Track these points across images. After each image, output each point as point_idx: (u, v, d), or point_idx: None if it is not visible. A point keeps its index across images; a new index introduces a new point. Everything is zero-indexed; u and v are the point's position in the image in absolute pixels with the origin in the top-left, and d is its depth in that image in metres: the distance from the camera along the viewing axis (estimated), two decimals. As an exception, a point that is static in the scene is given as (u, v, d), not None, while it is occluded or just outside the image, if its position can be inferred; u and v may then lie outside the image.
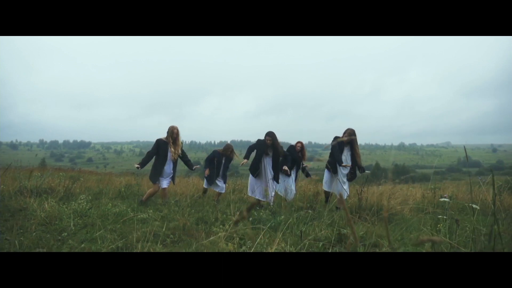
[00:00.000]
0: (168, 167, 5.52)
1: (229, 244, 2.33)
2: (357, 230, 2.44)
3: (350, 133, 5.22)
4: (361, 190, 4.26)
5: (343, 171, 5.20)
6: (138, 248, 2.26)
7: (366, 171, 5.19)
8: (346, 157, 5.28)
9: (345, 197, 5.20)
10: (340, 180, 5.16)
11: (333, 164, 5.26)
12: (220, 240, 2.30)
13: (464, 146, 1.95)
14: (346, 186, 5.18)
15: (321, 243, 2.33)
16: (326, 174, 5.51)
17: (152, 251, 2.44)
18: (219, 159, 6.29)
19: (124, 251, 2.47)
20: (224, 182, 6.34)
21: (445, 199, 2.17)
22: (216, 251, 2.27)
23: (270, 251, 2.03)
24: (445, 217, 2.14)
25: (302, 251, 2.26)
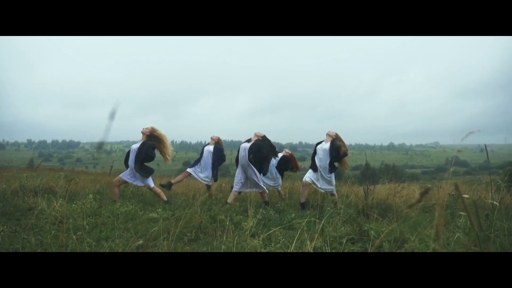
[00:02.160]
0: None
1: (255, 241, 2.36)
2: (379, 227, 2.49)
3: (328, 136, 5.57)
4: (367, 189, 4.32)
5: (323, 173, 5.35)
6: (164, 247, 2.27)
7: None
8: (324, 154, 5.42)
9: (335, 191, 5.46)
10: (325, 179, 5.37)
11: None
12: (246, 237, 2.32)
13: (485, 146, 2.01)
14: (332, 184, 5.41)
15: (344, 239, 2.38)
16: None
17: (175, 249, 2.46)
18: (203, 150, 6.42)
19: (145, 250, 2.48)
20: (207, 173, 6.27)
21: (465, 196, 2.22)
22: (244, 248, 2.30)
23: (309, 250, 2.07)
24: (464, 213, 2.20)
25: (325, 247, 2.31)
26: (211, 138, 6.50)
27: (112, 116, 1.23)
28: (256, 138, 5.50)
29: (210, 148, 6.32)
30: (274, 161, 6.43)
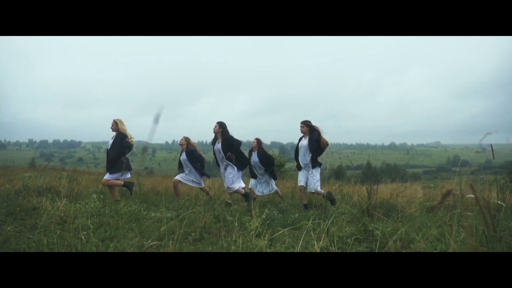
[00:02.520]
0: None
1: (261, 241, 2.36)
2: (384, 227, 2.49)
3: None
4: (371, 188, 4.31)
5: (307, 171, 5.27)
6: (170, 247, 2.27)
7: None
8: (304, 151, 5.31)
9: (318, 189, 5.19)
10: (310, 177, 5.22)
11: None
12: (252, 237, 2.33)
13: (491, 145, 2.00)
14: (316, 180, 5.20)
15: (351, 240, 2.38)
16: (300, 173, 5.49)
17: (180, 249, 2.46)
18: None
19: (151, 250, 2.48)
20: (196, 178, 6.19)
21: (471, 196, 2.23)
22: (250, 247, 2.30)
23: (316, 250, 2.07)
24: (469, 214, 2.20)
25: (332, 248, 2.31)
26: (180, 144, 6.25)
27: (156, 119, 1.26)
28: (219, 134, 5.55)
29: (184, 156, 6.11)
30: (258, 168, 6.20)
